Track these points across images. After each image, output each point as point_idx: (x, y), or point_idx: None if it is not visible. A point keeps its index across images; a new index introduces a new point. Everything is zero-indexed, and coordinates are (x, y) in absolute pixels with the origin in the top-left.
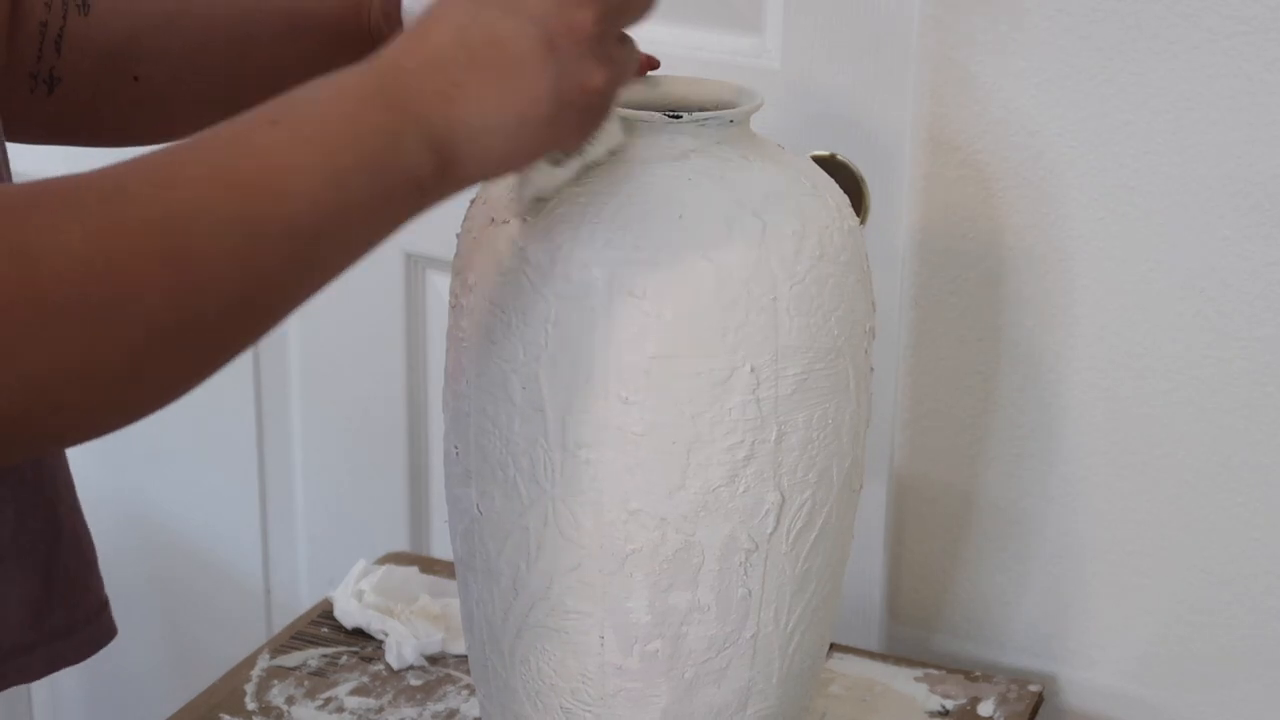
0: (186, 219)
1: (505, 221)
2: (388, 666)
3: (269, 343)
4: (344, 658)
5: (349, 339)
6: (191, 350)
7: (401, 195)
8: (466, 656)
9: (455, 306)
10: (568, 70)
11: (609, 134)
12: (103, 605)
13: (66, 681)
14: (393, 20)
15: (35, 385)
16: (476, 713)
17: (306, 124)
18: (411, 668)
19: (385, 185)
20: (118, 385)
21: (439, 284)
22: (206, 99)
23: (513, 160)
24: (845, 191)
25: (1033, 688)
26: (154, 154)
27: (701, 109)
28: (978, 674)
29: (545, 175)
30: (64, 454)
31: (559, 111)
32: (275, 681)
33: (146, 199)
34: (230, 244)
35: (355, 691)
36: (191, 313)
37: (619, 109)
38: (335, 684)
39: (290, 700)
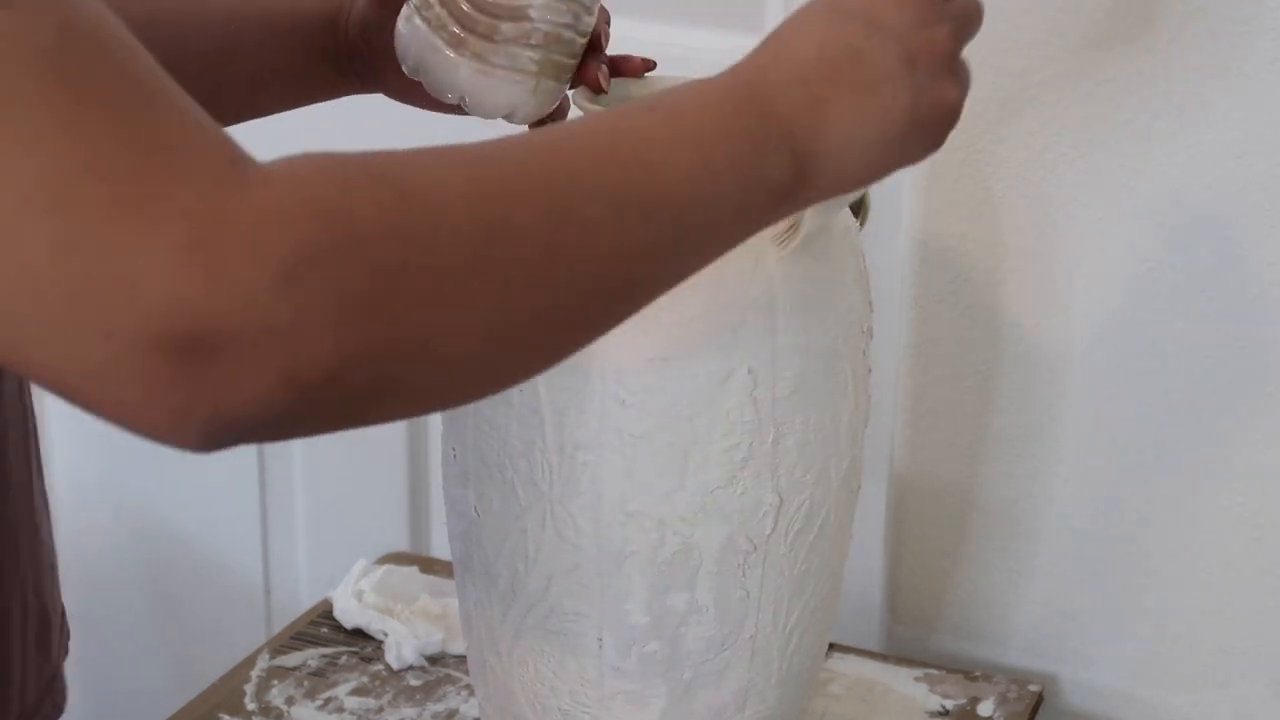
0: (568, 180)
1: None
2: (388, 666)
3: None
4: (344, 658)
5: None
6: (559, 316)
7: (762, 200)
8: (466, 656)
9: None
10: (925, 87)
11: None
12: (54, 675)
13: (66, 682)
14: (370, 37)
15: (409, 313)
16: (476, 713)
17: (682, 117)
18: (411, 668)
19: (749, 187)
20: (476, 335)
21: None
22: None
23: (868, 175)
24: None
25: (1033, 688)
26: (531, 131)
27: None
28: (978, 674)
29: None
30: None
31: (913, 129)
32: (275, 681)
33: (528, 160)
34: (606, 210)
35: (355, 691)
36: (565, 272)
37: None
38: (335, 684)
39: (290, 700)
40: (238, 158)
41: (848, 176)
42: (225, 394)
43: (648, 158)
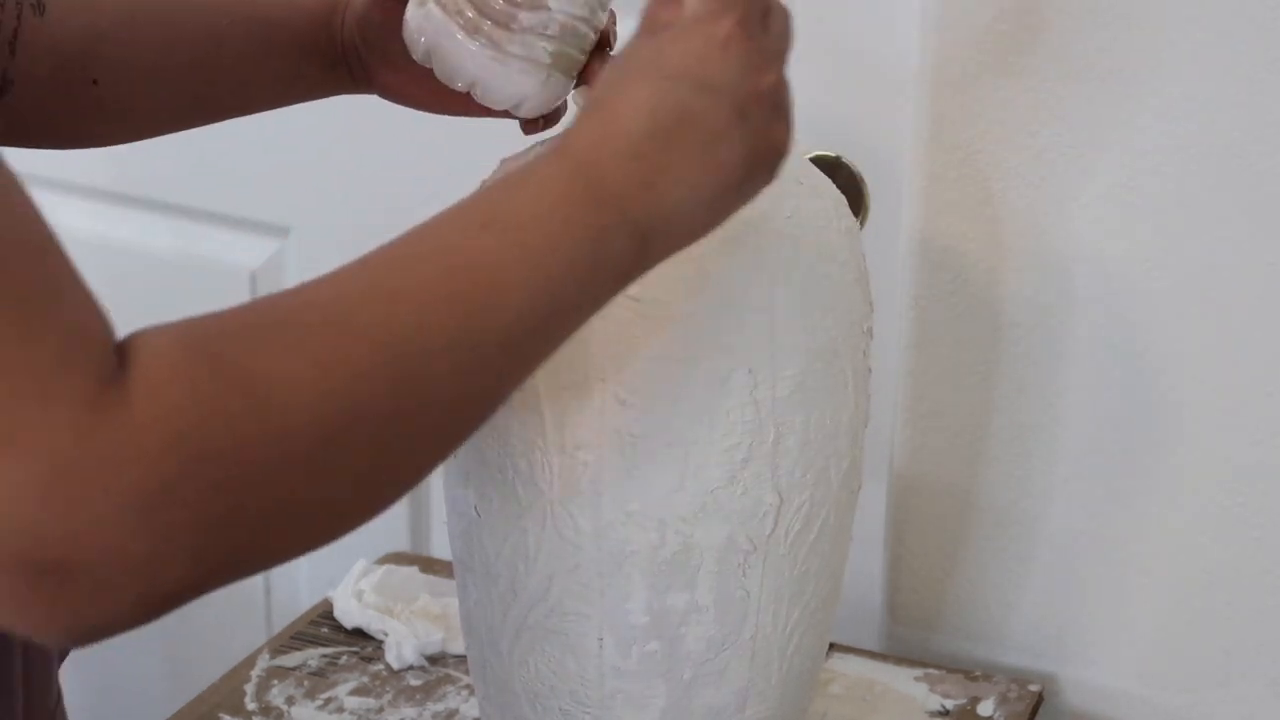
0: (408, 340)
1: None
2: (388, 666)
3: None
4: (344, 658)
5: None
6: (411, 464)
7: (607, 287)
8: (466, 656)
9: None
10: (758, 132)
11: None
12: (56, 700)
13: (66, 682)
14: (367, 36)
15: (265, 516)
16: (476, 713)
17: (516, 229)
18: (411, 668)
19: (593, 282)
20: (342, 507)
21: None
22: (170, 107)
23: (709, 226)
24: (845, 192)
25: (1033, 688)
26: (367, 263)
27: None
28: (978, 674)
29: None
30: None
31: (749, 174)
32: (275, 681)
33: (368, 324)
34: (450, 361)
35: (355, 691)
36: (414, 430)
37: None
38: (335, 684)
39: (290, 700)
40: (104, 381)
41: (690, 234)
42: (82, 614)
43: (489, 292)
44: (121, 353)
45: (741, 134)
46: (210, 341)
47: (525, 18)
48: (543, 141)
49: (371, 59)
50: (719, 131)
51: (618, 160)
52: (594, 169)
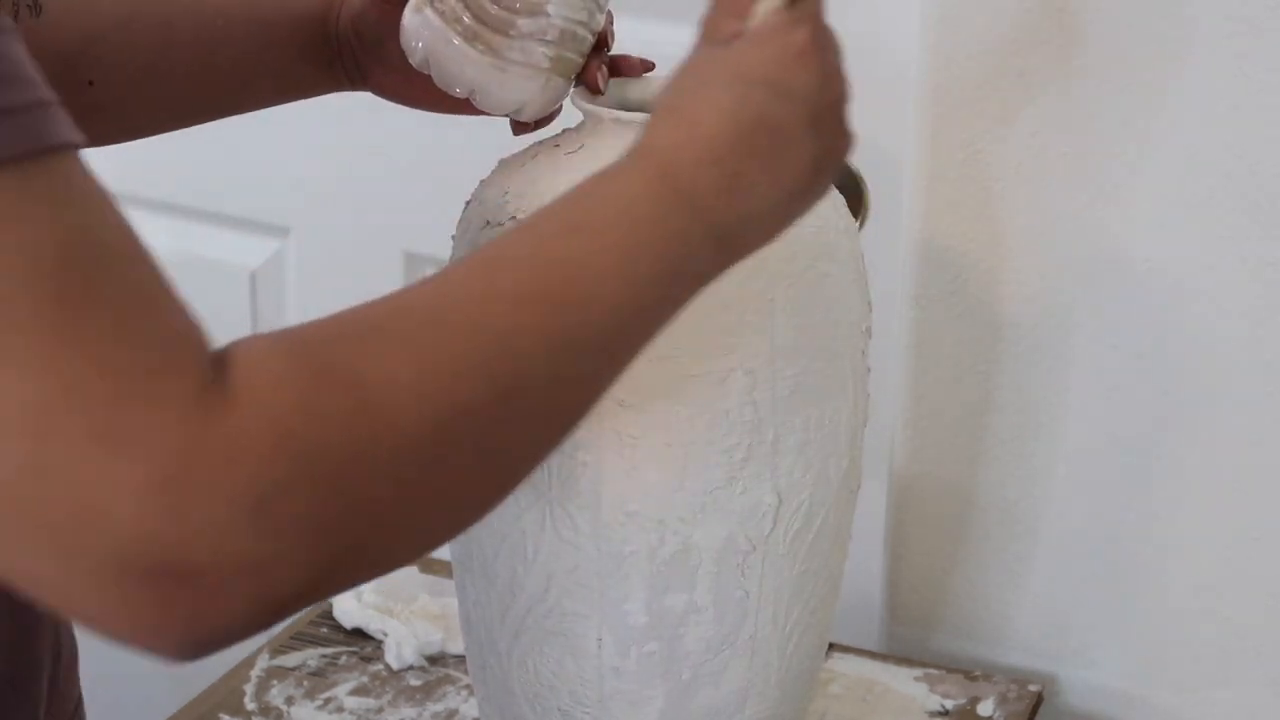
0: (505, 340)
1: (500, 224)
2: (387, 666)
3: None
4: (343, 658)
5: None
6: (513, 463)
7: (688, 290)
8: (465, 656)
9: None
10: (827, 145)
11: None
12: (76, 704)
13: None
14: (363, 34)
15: (373, 516)
16: (475, 713)
17: (603, 232)
18: (411, 668)
19: (676, 284)
20: (447, 508)
21: None
22: (167, 107)
23: (776, 233)
24: (845, 192)
25: (1033, 688)
26: (463, 269)
27: None
28: (978, 674)
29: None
30: None
31: (813, 184)
32: (275, 681)
33: (466, 325)
34: (546, 360)
35: (355, 691)
36: (515, 430)
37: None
38: (335, 684)
39: (290, 700)
40: (208, 384)
41: (762, 238)
42: (198, 619)
43: (580, 294)
44: (220, 360)
45: (813, 142)
46: (311, 345)
47: (524, 24)
48: (540, 142)
49: (367, 59)
50: (794, 138)
51: (700, 166)
52: (677, 174)
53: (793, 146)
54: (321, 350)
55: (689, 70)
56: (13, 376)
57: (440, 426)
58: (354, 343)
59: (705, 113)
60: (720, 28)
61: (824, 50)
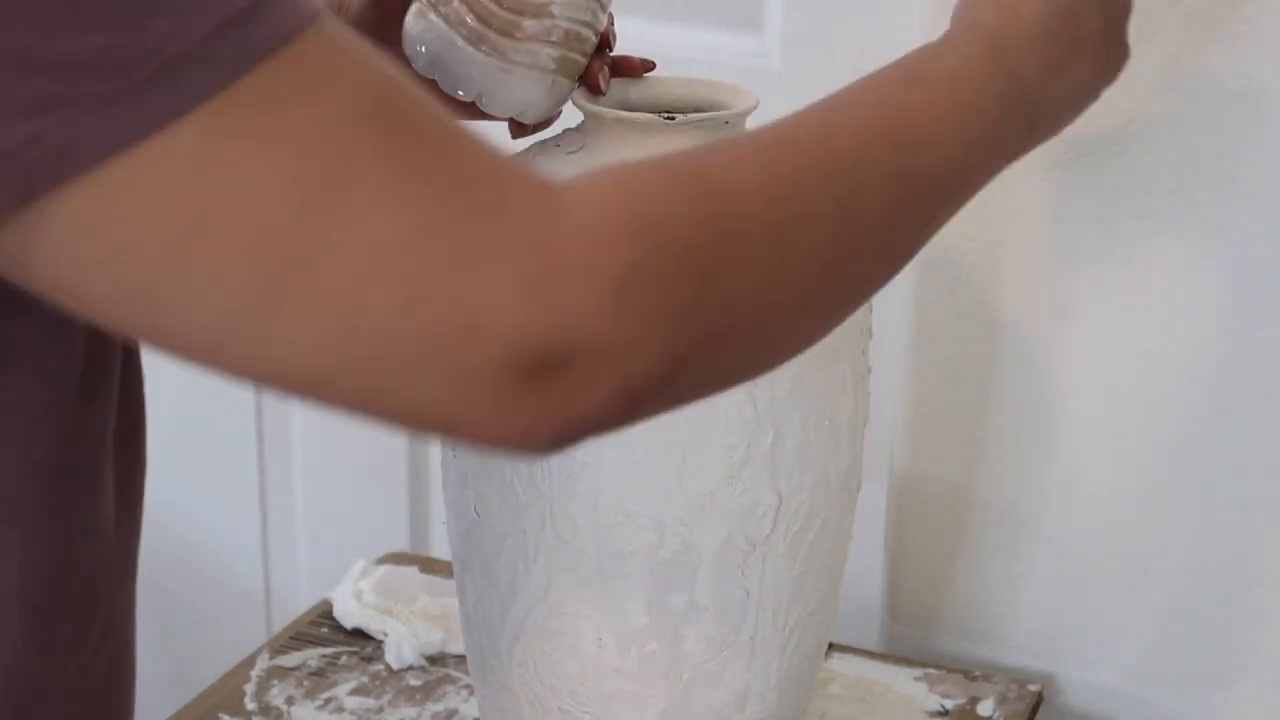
0: (851, 164)
1: None
2: (388, 666)
3: None
4: (344, 658)
5: None
6: (848, 284)
7: (1001, 161)
8: (465, 657)
9: None
10: (1114, 48)
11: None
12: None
13: None
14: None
15: (724, 309)
16: (476, 713)
17: (940, 86)
18: (411, 668)
19: (994, 151)
20: (787, 316)
21: None
22: None
23: (1066, 124)
24: None
25: (1033, 688)
26: (807, 110)
27: (697, 110)
28: (978, 674)
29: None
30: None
31: (1102, 82)
32: (275, 681)
33: (813, 147)
34: (883, 191)
35: (355, 691)
36: (852, 248)
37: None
38: (335, 684)
39: (290, 700)
40: (546, 185)
41: (1055, 128)
42: (568, 409)
43: (914, 138)
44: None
45: (1105, 43)
46: (658, 162)
47: (529, 25)
48: (541, 142)
49: (386, 40)
50: (1092, 34)
51: (1021, 45)
52: (1003, 48)
53: (1092, 43)
54: (673, 157)
55: None
56: (380, 217)
57: (787, 228)
58: (704, 151)
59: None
60: None
61: None
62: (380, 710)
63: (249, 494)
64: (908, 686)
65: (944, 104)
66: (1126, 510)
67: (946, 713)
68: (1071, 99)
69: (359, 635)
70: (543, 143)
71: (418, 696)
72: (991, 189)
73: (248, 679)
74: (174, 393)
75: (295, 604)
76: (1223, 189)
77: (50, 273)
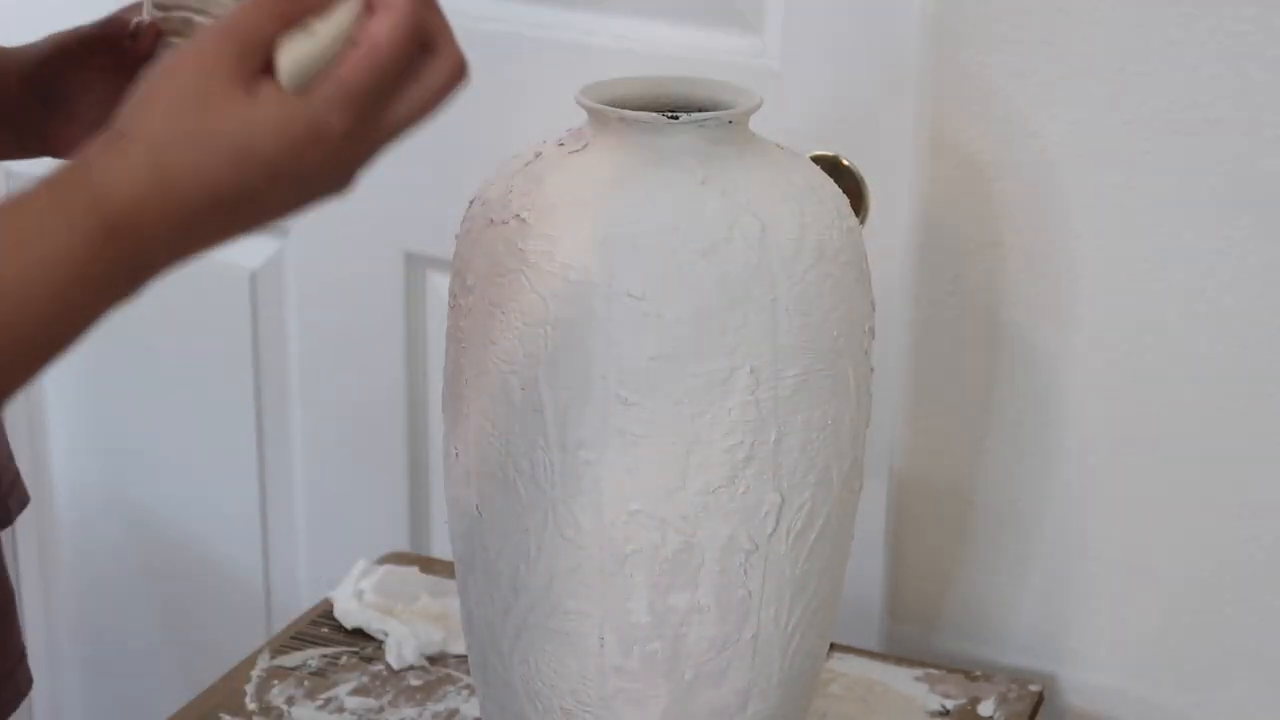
0: None
1: (504, 222)
2: (388, 666)
3: (269, 343)
4: (344, 658)
5: (349, 339)
6: None
7: (122, 299)
8: (466, 656)
9: (455, 307)
10: (319, 198)
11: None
12: (20, 657)
13: (66, 681)
14: (48, 96)
15: None
16: (476, 713)
17: (20, 267)
18: (411, 668)
19: (86, 313)
20: None
21: (439, 284)
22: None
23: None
24: (845, 192)
25: (1033, 688)
26: None
27: (700, 109)
28: (978, 674)
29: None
30: None
31: (303, 207)
32: (275, 681)
33: None
34: None
35: (355, 691)
36: None
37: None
38: (335, 684)
39: (290, 700)
40: None
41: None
42: None
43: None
44: None
45: (301, 206)
46: None
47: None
48: (544, 141)
49: (53, 120)
50: (279, 210)
51: (160, 227)
52: (129, 235)
53: (276, 214)
54: None
55: (186, 125)
56: None
57: None
58: None
59: (186, 176)
60: (252, 42)
61: (357, 137)
62: (381, 710)
63: (249, 494)
64: (908, 686)
65: (29, 287)
66: (1126, 510)
67: (947, 713)
68: (227, 240)
69: (359, 635)
70: (546, 141)
71: (418, 696)
72: (991, 188)
73: (248, 679)
74: (174, 393)
75: (295, 604)
76: (1223, 189)
77: None
